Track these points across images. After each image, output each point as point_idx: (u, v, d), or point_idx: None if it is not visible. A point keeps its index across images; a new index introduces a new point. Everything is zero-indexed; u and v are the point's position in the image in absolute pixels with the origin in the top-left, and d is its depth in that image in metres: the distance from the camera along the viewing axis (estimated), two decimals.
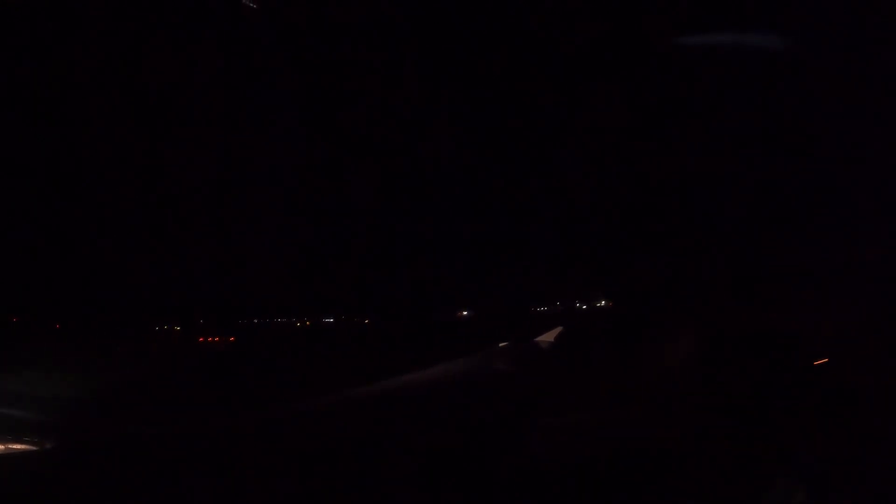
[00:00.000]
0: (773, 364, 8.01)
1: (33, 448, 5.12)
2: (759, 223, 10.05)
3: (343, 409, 6.76)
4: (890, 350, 7.64)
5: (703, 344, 9.03)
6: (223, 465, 4.71)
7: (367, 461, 5.12)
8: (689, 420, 7.05)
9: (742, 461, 5.73)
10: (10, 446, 5.21)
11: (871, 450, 5.67)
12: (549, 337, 12.53)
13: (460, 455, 5.75)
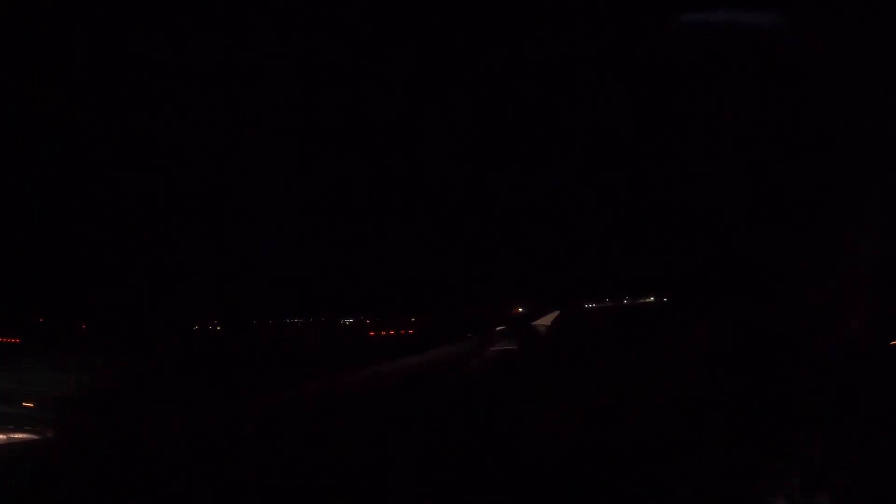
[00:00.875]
0: (774, 363, 8.01)
1: (35, 437, 5.24)
2: (760, 222, 10.06)
3: (339, 396, 6.82)
4: (891, 350, 7.64)
5: (705, 343, 9.04)
6: (216, 448, 4.78)
7: (363, 452, 5.16)
8: (689, 420, 7.05)
9: (742, 461, 5.72)
10: (11, 436, 5.33)
11: (872, 450, 5.66)
12: (545, 321, 12.62)
13: (457, 450, 5.78)
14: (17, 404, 6.57)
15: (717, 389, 7.68)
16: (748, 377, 7.79)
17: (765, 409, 6.87)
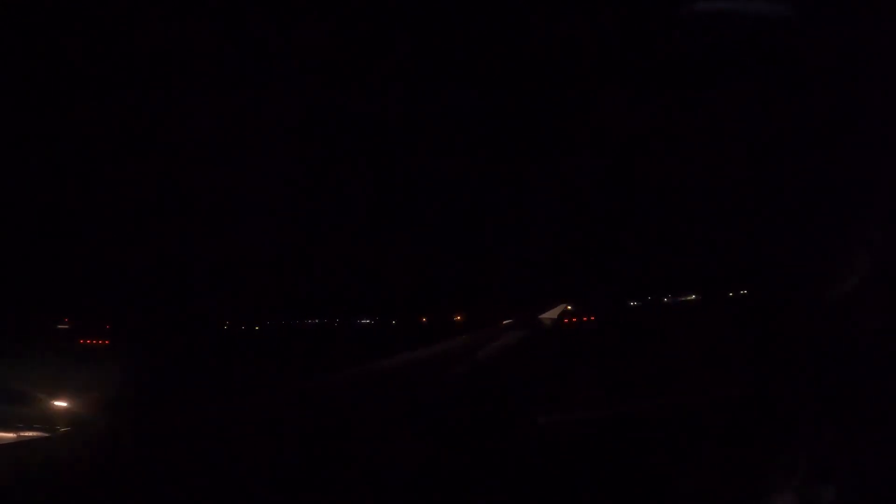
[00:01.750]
0: (775, 362, 8.01)
1: (44, 434, 5.35)
2: (760, 220, 10.04)
3: (342, 391, 6.90)
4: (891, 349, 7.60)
5: (706, 342, 9.06)
6: (217, 446, 4.87)
7: (366, 449, 5.22)
8: (691, 418, 7.07)
9: (743, 461, 5.73)
10: (21, 434, 5.45)
11: (872, 450, 5.66)
12: (552, 314, 12.58)
13: (460, 447, 5.84)
14: (28, 403, 6.66)
15: (719, 388, 7.70)
16: (749, 375, 7.81)
17: (766, 408, 6.88)
